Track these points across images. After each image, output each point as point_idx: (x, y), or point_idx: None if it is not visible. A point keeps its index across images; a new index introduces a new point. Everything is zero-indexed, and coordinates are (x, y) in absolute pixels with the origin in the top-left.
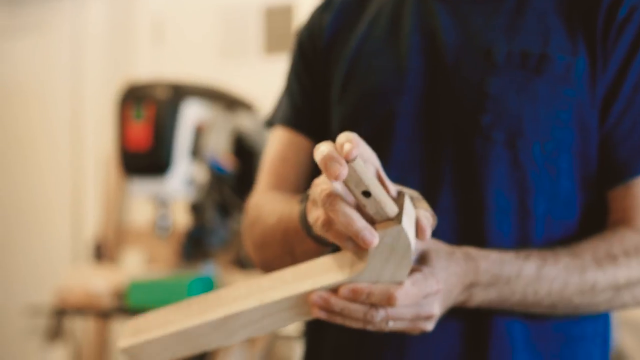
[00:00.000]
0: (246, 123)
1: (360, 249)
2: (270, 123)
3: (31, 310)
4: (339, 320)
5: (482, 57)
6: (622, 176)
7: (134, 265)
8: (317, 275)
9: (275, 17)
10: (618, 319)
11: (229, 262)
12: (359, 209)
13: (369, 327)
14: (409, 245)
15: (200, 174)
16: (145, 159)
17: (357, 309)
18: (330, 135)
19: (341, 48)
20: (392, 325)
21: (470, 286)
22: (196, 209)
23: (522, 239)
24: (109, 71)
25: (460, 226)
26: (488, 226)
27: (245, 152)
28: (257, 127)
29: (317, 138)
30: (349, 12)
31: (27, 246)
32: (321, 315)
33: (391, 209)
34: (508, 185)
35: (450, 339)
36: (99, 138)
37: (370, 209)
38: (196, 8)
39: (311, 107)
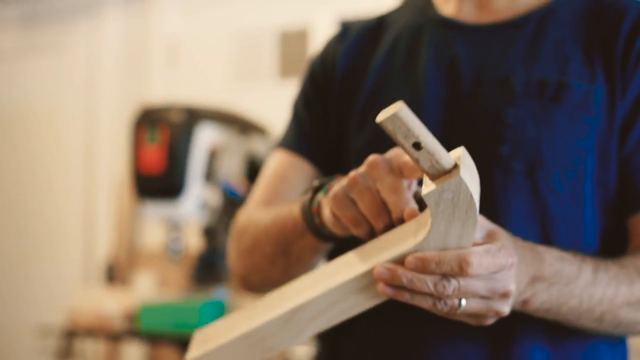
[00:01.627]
0: (260, 147)
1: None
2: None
3: (42, 331)
4: (406, 297)
5: (500, 86)
6: None
7: (145, 288)
8: (379, 253)
9: (290, 42)
10: (632, 349)
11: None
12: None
13: (440, 309)
14: (471, 197)
15: (213, 197)
16: (158, 182)
17: (426, 280)
18: (345, 166)
19: (357, 79)
20: (464, 306)
21: (535, 280)
22: (209, 232)
23: None
24: (124, 93)
25: None
26: None
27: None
28: (271, 151)
29: (320, 166)
30: (365, 43)
31: (39, 267)
32: (388, 292)
33: (447, 160)
34: (529, 214)
35: None
36: (112, 160)
37: (424, 163)
38: (211, 31)
39: (320, 135)
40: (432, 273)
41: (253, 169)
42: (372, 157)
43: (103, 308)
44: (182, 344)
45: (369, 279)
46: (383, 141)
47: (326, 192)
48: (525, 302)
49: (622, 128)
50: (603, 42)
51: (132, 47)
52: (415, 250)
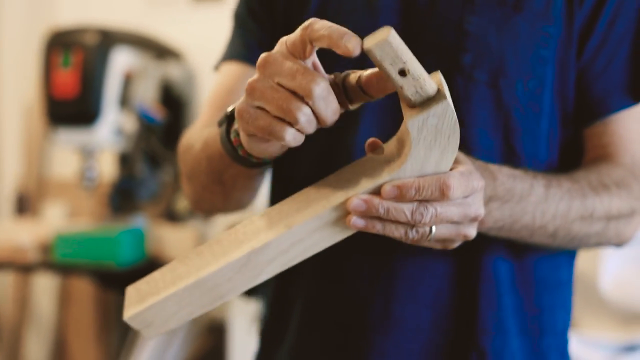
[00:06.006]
0: (175, 72)
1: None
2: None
3: None
4: (378, 228)
5: None
6: (599, 113)
7: (56, 219)
8: (348, 185)
9: None
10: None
11: (158, 214)
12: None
13: (411, 237)
14: (455, 122)
15: (129, 123)
16: (72, 108)
17: (403, 209)
18: None
19: None
20: (435, 233)
21: (489, 200)
22: (124, 159)
23: None
24: (30, 16)
25: None
26: None
27: (174, 102)
28: (186, 76)
29: None
30: None
31: None
32: (359, 224)
33: (430, 85)
34: (492, 125)
35: (438, 283)
36: (19, 86)
37: (408, 90)
38: None
39: (270, 43)
40: (410, 201)
41: (168, 95)
42: (261, 57)
43: (16, 240)
44: (98, 275)
45: (338, 213)
46: (335, 53)
47: None
48: (479, 222)
49: (580, 37)
50: None
51: None
52: (391, 179)
